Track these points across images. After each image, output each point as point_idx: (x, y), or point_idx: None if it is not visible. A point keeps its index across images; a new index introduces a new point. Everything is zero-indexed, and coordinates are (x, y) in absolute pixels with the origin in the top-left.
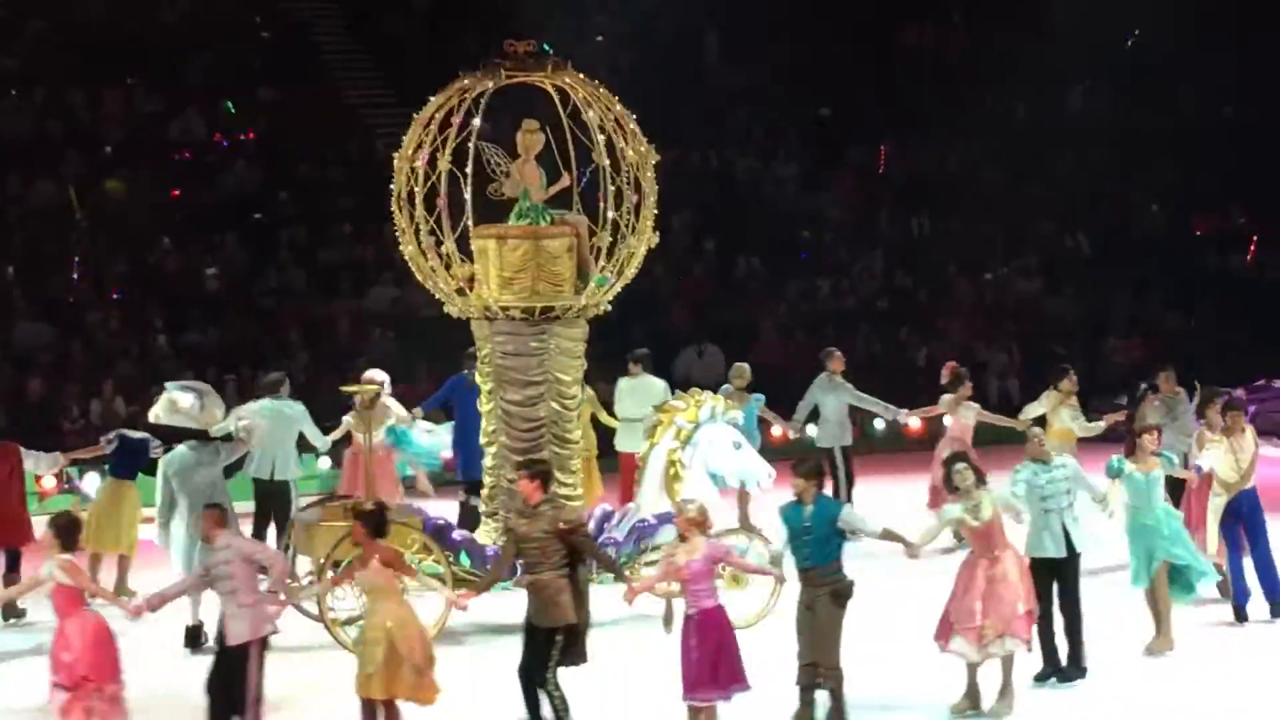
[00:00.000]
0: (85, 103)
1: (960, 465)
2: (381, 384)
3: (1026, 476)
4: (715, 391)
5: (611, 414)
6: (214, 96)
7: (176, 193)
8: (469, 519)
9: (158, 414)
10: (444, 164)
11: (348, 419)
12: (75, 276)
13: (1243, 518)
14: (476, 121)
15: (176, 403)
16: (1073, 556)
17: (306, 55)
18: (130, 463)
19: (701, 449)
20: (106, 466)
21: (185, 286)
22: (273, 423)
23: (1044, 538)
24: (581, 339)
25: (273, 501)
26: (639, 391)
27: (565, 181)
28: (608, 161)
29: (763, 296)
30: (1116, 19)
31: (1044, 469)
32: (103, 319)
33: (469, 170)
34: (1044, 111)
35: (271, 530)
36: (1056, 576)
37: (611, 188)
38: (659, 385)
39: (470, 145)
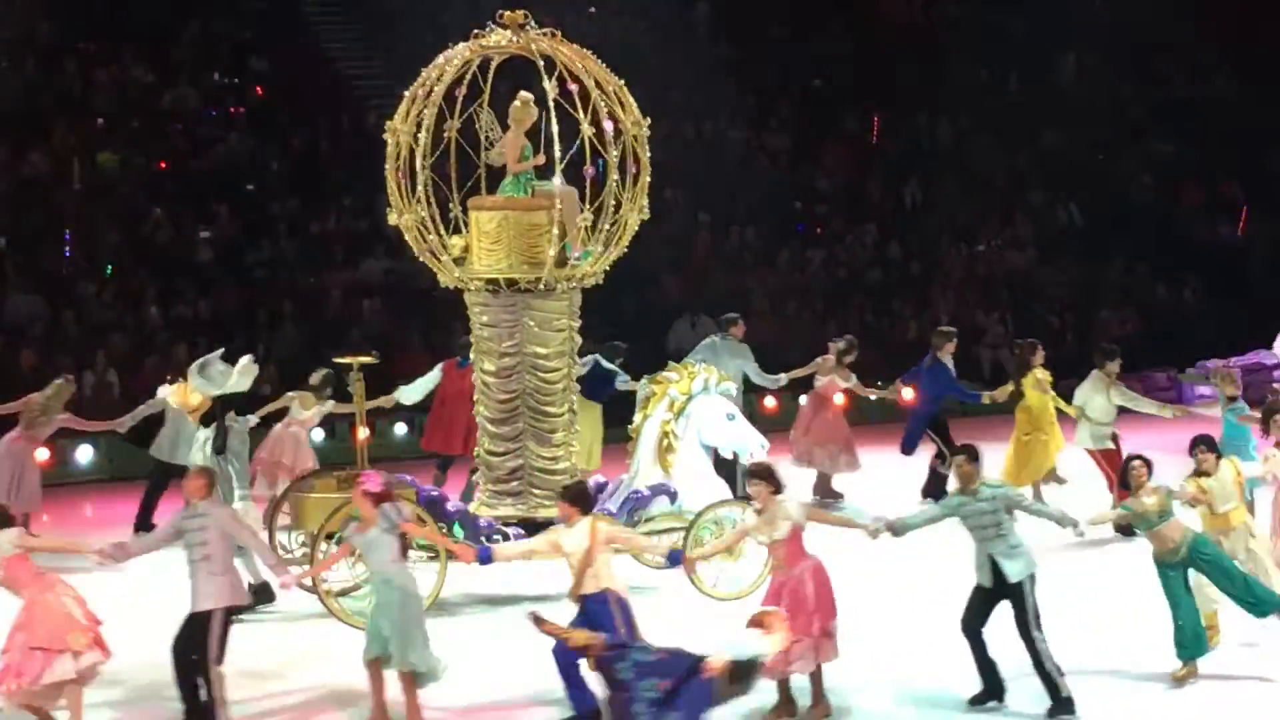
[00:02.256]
0: (77, 73)
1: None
2: None
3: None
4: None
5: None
6: (205, 67)
7: (167, 164)
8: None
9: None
10: (405, 134)
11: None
12: (67, 249)
13: None
14: (438, 90)
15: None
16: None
17: (298, 25)
18: (599, 388)
19: (694, 420)
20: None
21: (177, 258)
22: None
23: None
24: (563, 312)
25: None
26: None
27: (541, 159)
28: (556, 129)
29: (755, 267)
30: None
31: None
32: (95, 291)
33: (420, 134)
34: (1035, 82)
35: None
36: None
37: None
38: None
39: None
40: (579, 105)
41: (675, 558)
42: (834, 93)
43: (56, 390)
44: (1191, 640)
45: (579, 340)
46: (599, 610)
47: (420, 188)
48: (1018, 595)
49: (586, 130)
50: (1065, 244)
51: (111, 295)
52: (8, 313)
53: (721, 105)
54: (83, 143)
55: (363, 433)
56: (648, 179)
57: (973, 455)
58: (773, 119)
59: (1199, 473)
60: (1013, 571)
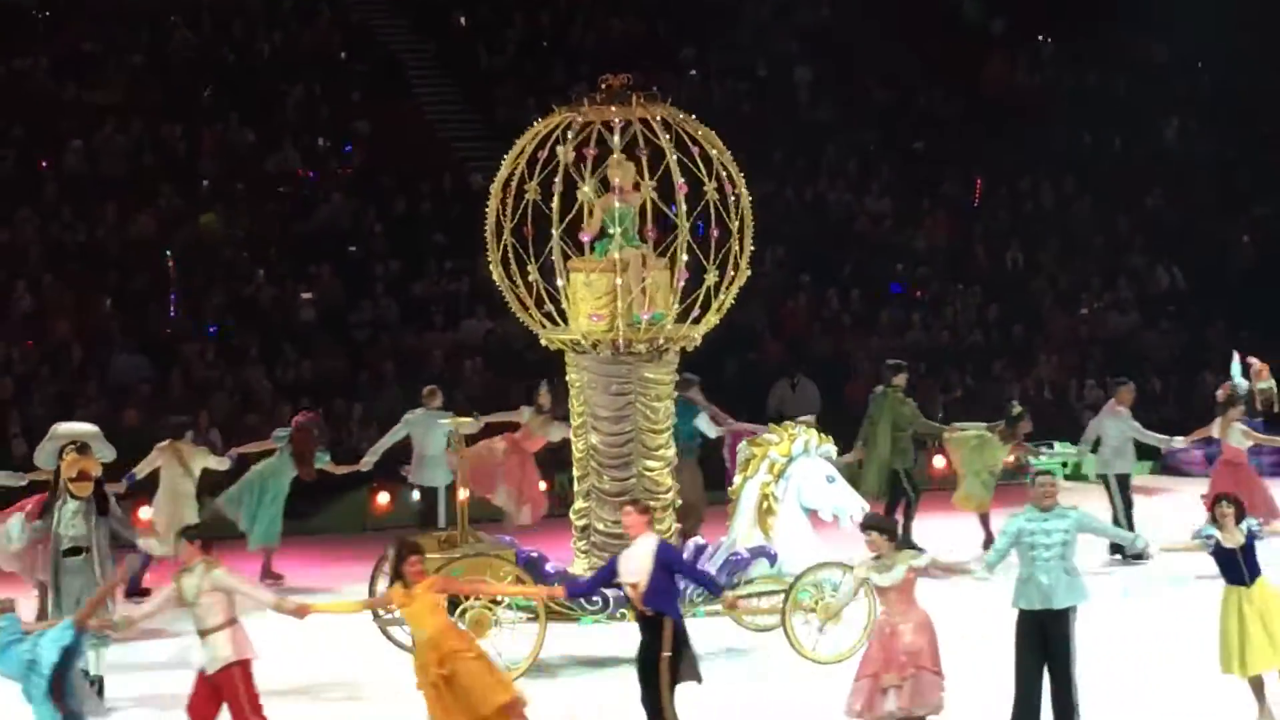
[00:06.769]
0: (182, 136)
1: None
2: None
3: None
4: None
5: None
6: (309, 130)
7: (271, 226)
8: None
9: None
10: (532, 194)
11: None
12: (172, 310)
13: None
14: (562, 151)
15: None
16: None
17: (400, 89)
18: None
19: (794, 482)
20: None
21: (280, 319)
22: None
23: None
24: (621, 376)
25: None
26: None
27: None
28: (654, 195)
29: (855, 330)
30: (1209, 54)
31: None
32: (198, 351)
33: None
34: (1138, 146)
35: None
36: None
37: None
38: None
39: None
40: (689, 169)
41: None
42: (935, 155)
43: None
44: None
45: (657, 405)
46: None
47: (503, 248)
48: None
49: (711, 192)
50: (1168, 306)
51: (214, 355)
52: (113, 372)
53: (822, 168)
54: (187, 205)
55: (462, 494)
56: (750, 243)
57: None
58: (874, 182)
59: None
60: None
